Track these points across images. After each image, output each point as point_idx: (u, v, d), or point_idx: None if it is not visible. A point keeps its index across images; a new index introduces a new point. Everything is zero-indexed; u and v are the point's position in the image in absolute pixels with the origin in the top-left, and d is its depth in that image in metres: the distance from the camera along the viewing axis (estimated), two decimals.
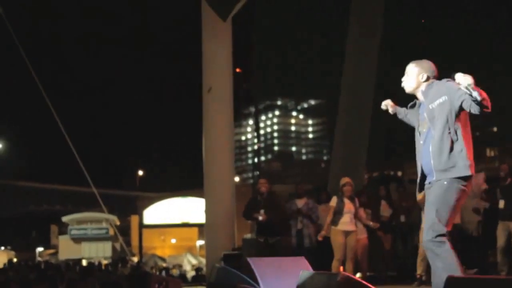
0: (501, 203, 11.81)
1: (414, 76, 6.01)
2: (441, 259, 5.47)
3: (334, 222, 11.87)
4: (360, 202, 12.63)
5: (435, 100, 5.79)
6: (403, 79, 6.11)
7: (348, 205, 11.88)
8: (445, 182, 5.63)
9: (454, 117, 5.68)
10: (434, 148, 5.73)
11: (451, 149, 5.66)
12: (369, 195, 13.96)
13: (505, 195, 11.82)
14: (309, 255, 11.71)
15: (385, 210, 14.09)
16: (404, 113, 6.40)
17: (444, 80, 5.87)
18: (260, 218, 12.07)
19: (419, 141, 5.99)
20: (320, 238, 12.23)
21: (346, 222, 11.84)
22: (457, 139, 5.67)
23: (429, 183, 5.84)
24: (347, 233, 11.86)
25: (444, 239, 5.52)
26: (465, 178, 5.67)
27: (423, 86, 6.00)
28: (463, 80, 5.35)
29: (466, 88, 5.33)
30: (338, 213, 11.83)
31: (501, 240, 11.81)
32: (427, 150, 5.84)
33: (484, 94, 5.37)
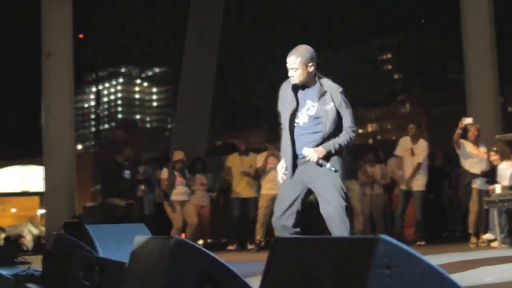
0: None
1: (303, 68, 5.70)
2: (345, 224, 5.69)
3: (167, 194, 12.32)
4: (196, 169, 13.16)
5: (328, 102, 5.75)
6: (291, 74, 5.75)
7: (179, 178, 12.34)
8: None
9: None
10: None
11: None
12: (206, 161, 14.16)
13: None
14: (151, 222, 11.97)
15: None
16: None
17: (336, 86, 5.82)
18: None
19: (298, 123, 5.89)
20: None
21: (179, 193, 12.30)
22: None
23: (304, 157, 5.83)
24: (182, 203, 12.27)
25: None
26: None
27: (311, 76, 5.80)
28: (312, 156, 5.70)
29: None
30: (170, 185, 12.25)
31: None
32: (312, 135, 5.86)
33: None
